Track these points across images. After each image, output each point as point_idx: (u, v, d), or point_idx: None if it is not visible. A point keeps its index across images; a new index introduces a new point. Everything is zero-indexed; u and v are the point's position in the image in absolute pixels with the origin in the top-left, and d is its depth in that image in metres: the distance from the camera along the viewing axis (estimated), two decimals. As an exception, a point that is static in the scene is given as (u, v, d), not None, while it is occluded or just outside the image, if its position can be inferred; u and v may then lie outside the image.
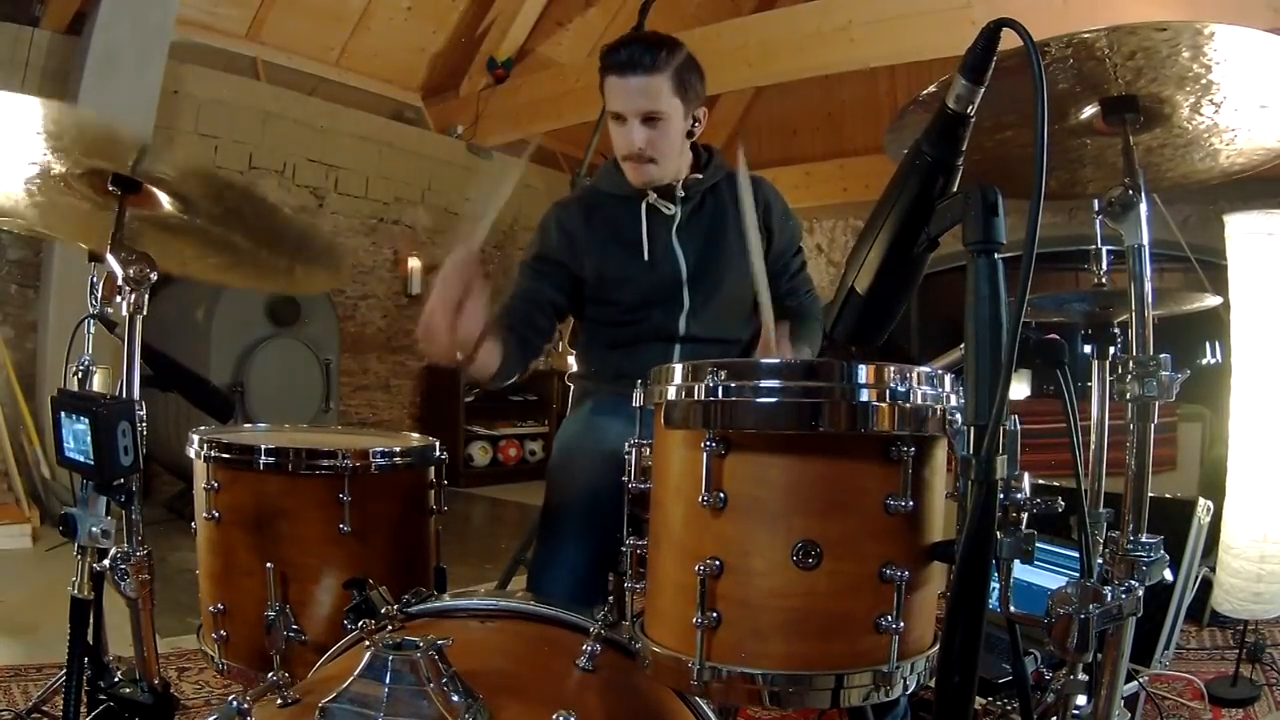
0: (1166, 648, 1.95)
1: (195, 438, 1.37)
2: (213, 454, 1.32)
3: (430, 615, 1.14)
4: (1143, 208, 1.15)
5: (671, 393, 0.92)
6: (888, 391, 0.85)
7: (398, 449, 1.38)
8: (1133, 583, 1.18)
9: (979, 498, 0.73)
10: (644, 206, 1.75)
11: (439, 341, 1.28)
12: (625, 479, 1.09)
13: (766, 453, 0.87)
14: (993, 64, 0.73)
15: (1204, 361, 3.40)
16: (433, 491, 1.49)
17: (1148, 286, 1.14)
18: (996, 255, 0.75)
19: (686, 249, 1.76)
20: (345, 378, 5.27)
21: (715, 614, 0.87)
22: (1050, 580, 2.06)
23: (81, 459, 1.08)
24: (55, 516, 3.47)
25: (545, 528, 1.58)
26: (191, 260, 1.43)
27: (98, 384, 3.86)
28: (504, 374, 1.60)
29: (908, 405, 0.86)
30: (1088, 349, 1.43)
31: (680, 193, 1.75)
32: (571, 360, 2.05)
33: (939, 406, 0.88)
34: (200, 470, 1.34)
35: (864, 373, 0.85)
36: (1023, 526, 0.79)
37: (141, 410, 1.32)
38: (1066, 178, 1.46)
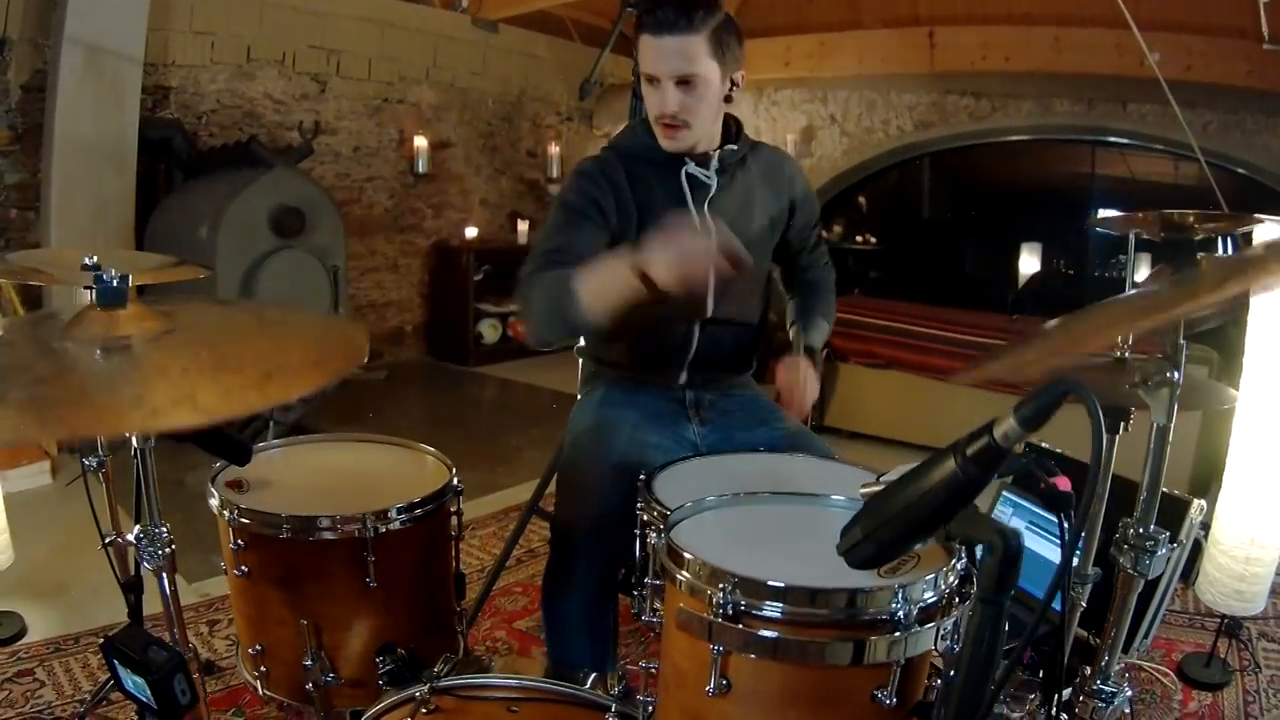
0: (1145, 636, 2.03)
1: (215, 496, 1.37)
2: (235, 519, 1.33)
3: (460, 696, 1.19)
4: (1176, 376, 1.13)
5: (684, 588, 0.92)
6: (890, 621, 0.86)
7: (417, 500, 1.40)
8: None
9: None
10: (684, 175, 1.66)
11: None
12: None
13: (769, 659, 0.91)
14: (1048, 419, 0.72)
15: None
16: (452, 518, 1.53)
17: (1164, 462, 1.11)
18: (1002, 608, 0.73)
19: (719, 218, 1.69)
20: (353, 261, 5.22)
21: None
22: (1043, 547, 2.11)
23: (143, 698, 1.11)
24: (71, 448, 3.51)
25: (556, 545, 1.62)
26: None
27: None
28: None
29: (908, 635, 0.88)
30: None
31: (716, 163, 1.67)
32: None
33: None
34: (224, 528, 1.36)
35: (865, 601, 0.86)
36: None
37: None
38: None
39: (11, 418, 0.70)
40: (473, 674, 1.22)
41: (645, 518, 1.34)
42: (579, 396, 1.96)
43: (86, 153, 3.43)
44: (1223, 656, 2.24)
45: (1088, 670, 1.44)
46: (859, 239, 8.20)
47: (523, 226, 6.12)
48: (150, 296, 1.43)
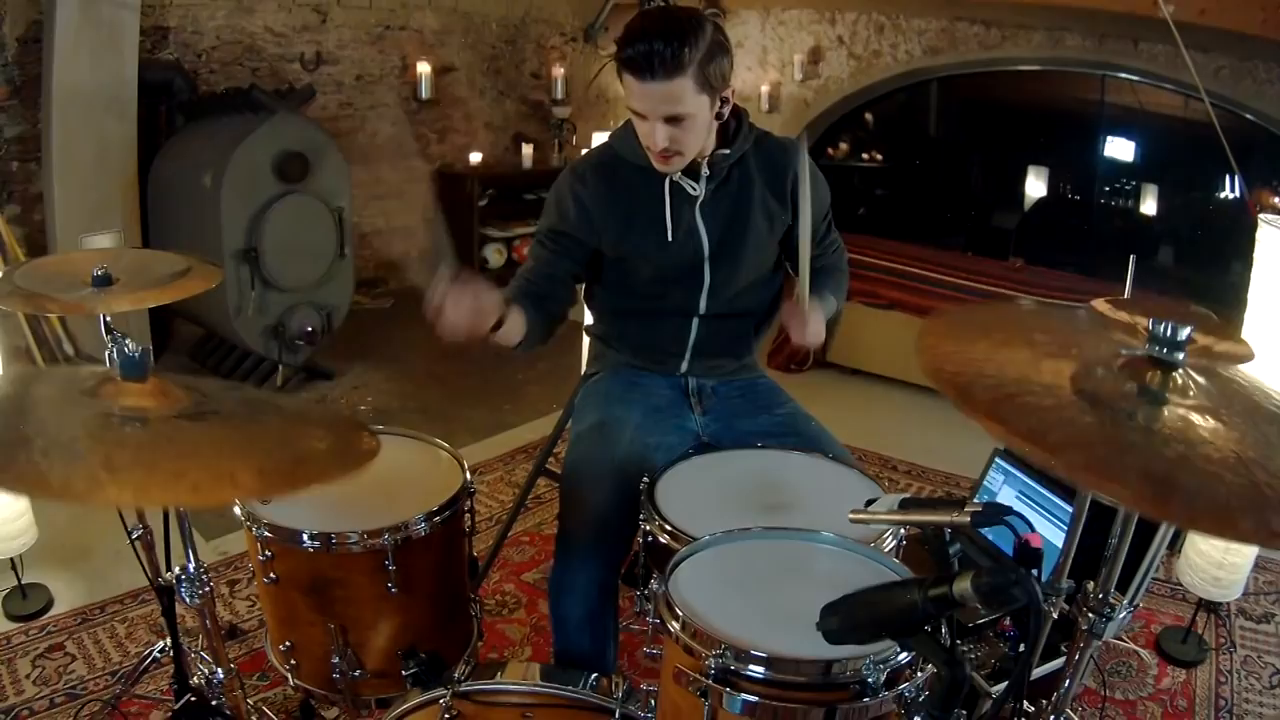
0: (1131, 606, 2.14)
1: (238, 509, 1.45)
2: (261, 531, 1.41)
3: (478, 702, 1.30)
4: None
5: (681, 645, 1.02)
6: (860, 686, 0.95)
7: (435, 509, 1.48)
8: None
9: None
10: (667, 184, 1.70)
11: (457, 336, 1.44)
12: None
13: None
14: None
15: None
16: (466, 515, 1.62)
17: (1131, 526, 1.15)
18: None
19: (710, 227, 1.73)
20: (357, 189, 5.18)
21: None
22: (1047, 529, 2.10)
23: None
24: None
25: (560, 550, 1.70)
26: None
27: (109, 245, 3.87)
28: (528, 343, 1.67)
29: (876, 698, 0.96)
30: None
31: (705, 170, 1.69)
32: (587, 313, 2.08)
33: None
34: (251, 540, 1.45)
35: (840, 669, 0.95)
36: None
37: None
38: None
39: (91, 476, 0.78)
40: (490, 680, 1.33)
41: (647, 527, 1.45)
42: (584, 377, 2.02)
43: (86, 102, 3.40)
44: (1200, 633, 2.30)
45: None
46: (865, 156, 8.09)
47: (527, 150, 6.05)
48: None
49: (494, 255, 6.04)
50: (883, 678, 0.95)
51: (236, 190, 3.44)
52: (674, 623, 1.05)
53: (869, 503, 1.26)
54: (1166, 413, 0.83)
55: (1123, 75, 4.76)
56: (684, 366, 1.86)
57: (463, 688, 1.30)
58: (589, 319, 2.05)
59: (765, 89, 6.84)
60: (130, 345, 0.97)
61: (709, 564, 1.19)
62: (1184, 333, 0.87)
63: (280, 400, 1.11)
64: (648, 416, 1.79)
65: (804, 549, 1.23)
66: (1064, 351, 0.94)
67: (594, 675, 1.35)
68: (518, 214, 6.20)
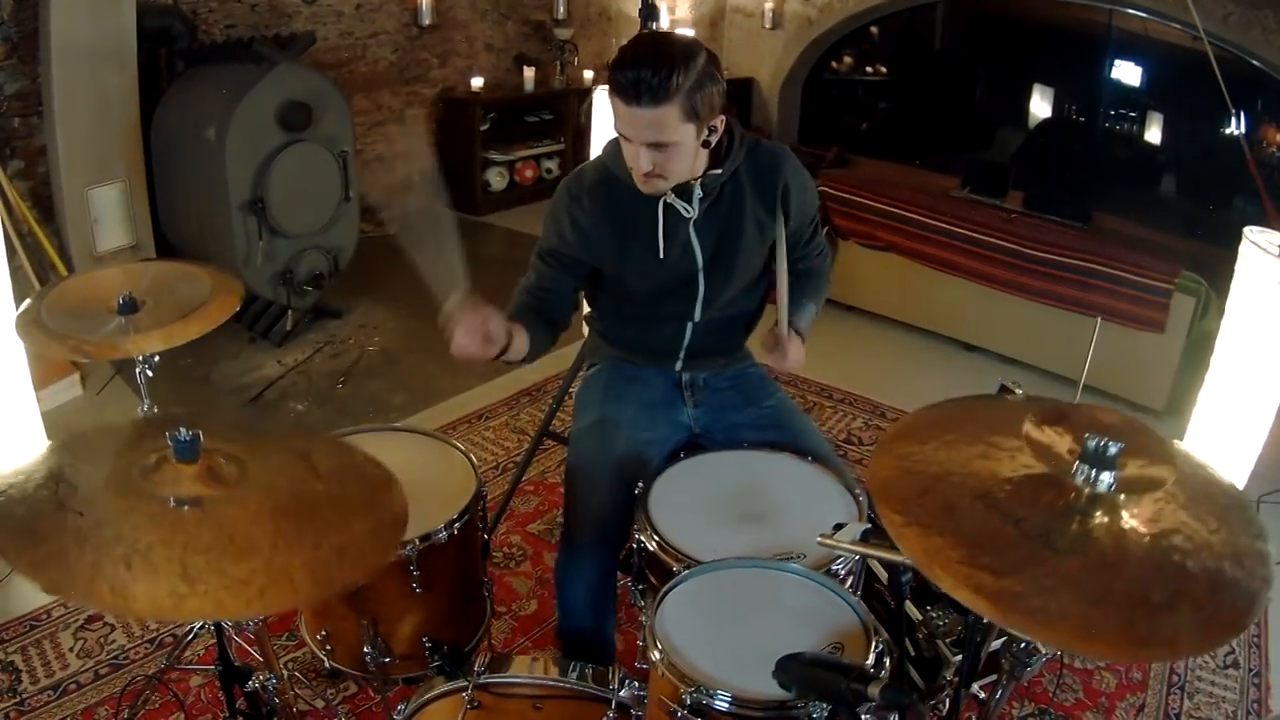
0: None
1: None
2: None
3: (495, 693, 1.50)
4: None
5: (663, 677, 1.21)
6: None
7: (455, 516, 1.66)
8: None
9: None
10: (661, 205, 1.75)
11: (475, 363, 1.60)
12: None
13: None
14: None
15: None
16: (481, 515, 1.80)
17: None
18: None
19: (704, 243, 1.80)
20: (359, 117, 5.20)
21: None
22: None
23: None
24: None
25: (565, 539, 1.88)
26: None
27: (115, 197, 3.95)
28: (532, 356, 1.80)
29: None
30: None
31: (699, 192, 1.74)
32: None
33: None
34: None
35: (792, 705, 1.12)
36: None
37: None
38: None
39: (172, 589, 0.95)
40: (505, 674, 1.52)
41: (640, 537, 1.63)
42: (584, 370, 2.17)
43: (85, 55, 3.42)
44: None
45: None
46: (869, 70, 7.96)
47: (529, 73, 6.00)
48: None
49: (496, 179, 6.08)
50: (825, 713, 1.14)
51: (241, 143, 3.50)
52: (656, 654, 1.24)
53: (837, 527, 1.45)
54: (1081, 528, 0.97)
55: (1130, 10, 4.68)
56: (679, 364, 1.98)
57: (482, 680, 1.50)
58: (586, 306, 2.16)
59: (769, 5, 6.70)
60: (184, 432, 1.12)
61: (690, 596, 1.37)
62: (1113, 449, 1.00)
63: (316, 456, 1.25)
64: (643, 412, 1.93)
65: (773, 579, 1.40)
66: (999, 458, 1.07)
67: (593, 667, 1.54)
68: (519, 137, 6.20)
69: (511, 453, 3.36)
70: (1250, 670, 2.51)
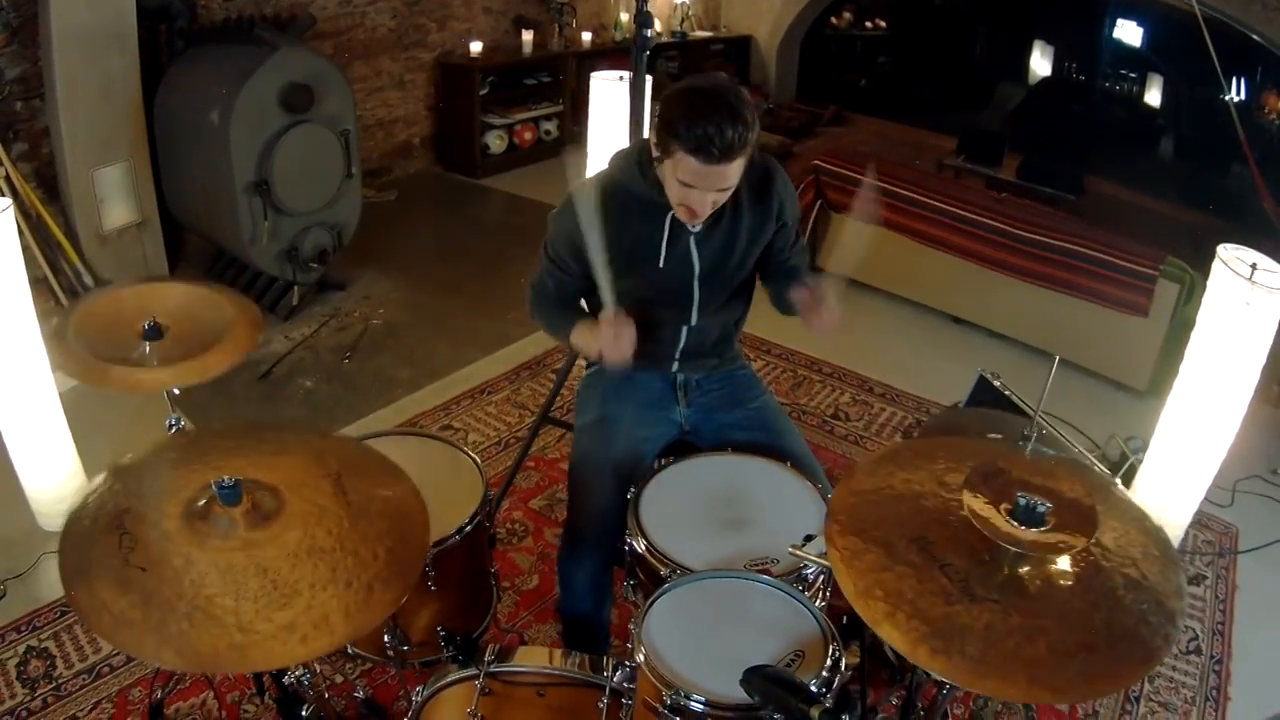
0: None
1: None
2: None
3: (504, 681, 1.67)
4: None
5: (649, 680, 1.38)
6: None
7: (467, 519, 1.82)
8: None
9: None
10: (668, 220, 1.88)
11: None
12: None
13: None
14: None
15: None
16: (488, 515, 1.96)
17: None
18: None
19: (703, 253, 1.94)
20: (359, 84, 5.27)
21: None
22: None
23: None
24: None
25: (568, 533, 2.06)
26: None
27: (120, 176, 4.05)
28: None
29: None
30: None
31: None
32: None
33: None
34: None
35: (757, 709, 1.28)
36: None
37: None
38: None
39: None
40: (511, 664, 1.69)
41: (631, 540, 1.79)
42: (586, 369, 2.31)
43: (86, 38, 3.47)
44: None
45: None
46: (868, 24, 7.92)
47: (527, 36, 6.02)
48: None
49: (495, 142, 6.13)
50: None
51: (244, 126, 3.58)
52: (641, 658, 1.41)
53: (807, 538, 1.63)
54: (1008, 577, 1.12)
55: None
56: (675, 366, 2.13)
57: (492, 669, 1.67)
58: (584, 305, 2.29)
59: (768, -38, 6.64)
60: (227, 480, 1.27)
61: (672, 604, 1.54)
62: (1041, 509, 1.15)
63: (346, 479, 1.41)
64: (640, 412, 2.09)
65: (747, 589, 1.57)
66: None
67: (590, 657, 1.71)
68: (518, 100, 6.23)
69: (513, 428, 3.52)
70: (1212, 657, 2.61)
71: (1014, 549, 1.13)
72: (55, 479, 2.64)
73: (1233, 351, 2.14)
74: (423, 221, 5.45)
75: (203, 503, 1.30)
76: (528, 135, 6.28)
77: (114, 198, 3.83)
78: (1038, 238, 3.83)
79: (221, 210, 3.78)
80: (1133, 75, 6.11)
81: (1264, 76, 4.92)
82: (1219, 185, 5.02)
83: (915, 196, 4.16)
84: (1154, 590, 1.16)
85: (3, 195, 3.25)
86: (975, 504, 1.18)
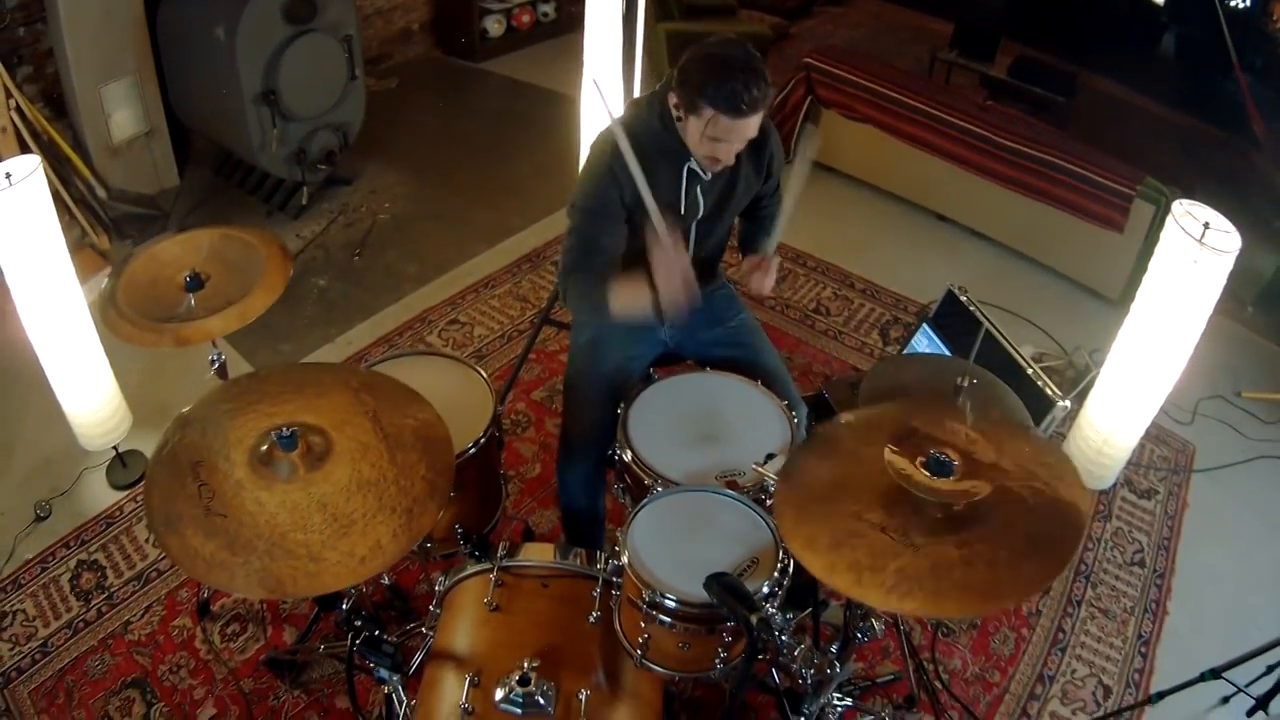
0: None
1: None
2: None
3: (514, 574, 1.99)
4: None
5: (631, 578, 1.71)
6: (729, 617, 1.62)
7: (482, 431, 2.10)
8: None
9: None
10: (686, 171, 2.04)
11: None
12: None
13: (667, 629, 1.71)
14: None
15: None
16: (497, 427, 2.25)
17: None
18: None
19: (707, 199, 2.15)
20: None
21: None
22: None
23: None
24: (123, 233, 3.92)
25: (564, 442, 2.37)
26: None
27: (126, 91, 4.21)
28: None
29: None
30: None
31: None
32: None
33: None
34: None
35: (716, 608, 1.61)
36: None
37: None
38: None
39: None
40: (519, 559, 2.01)
41: (619, 451, 2.09)
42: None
43: (85, -45, 3.49)
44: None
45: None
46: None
47: (523, -86, 5.85)
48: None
49: (493, 25, 6.10)
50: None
51: (249, 40, 3.66)
52: (625, 561, 1.74)
53: (769, 457, 1.93)
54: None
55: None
56: None
57: (503, 564, 2.00)
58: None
59: None
60: (285, 429, 1.54)
61: (653, 513, 1.85)
62: (952, 462, 1.44)
63: (381, 413, 1.65)
64: (628, 332, 2.32)
65: (716, 502, 1.88)
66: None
67: (585, 552, 2.02)
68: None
69: (515, 320, 3.76)
70: (1155, 571, 2.78)
71: (933, 499, 1.42)
72: (93, 402, 2.65)
73: (1178, 310, 2.23)
74: (424, 109, 5.49)
75: (264, 449, 1.58)
76: (526, 18, 6.23)
77: (121, 110, 3.93)
78: (1021, 149, 3.95)
79: (230, 119, 3.89)
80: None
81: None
82: (1219, 90, 4.84)
83: (901, 98, 4.25)
84: (1059, 500, 1.43)
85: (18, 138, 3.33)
86: (896, 461, 1.47)
